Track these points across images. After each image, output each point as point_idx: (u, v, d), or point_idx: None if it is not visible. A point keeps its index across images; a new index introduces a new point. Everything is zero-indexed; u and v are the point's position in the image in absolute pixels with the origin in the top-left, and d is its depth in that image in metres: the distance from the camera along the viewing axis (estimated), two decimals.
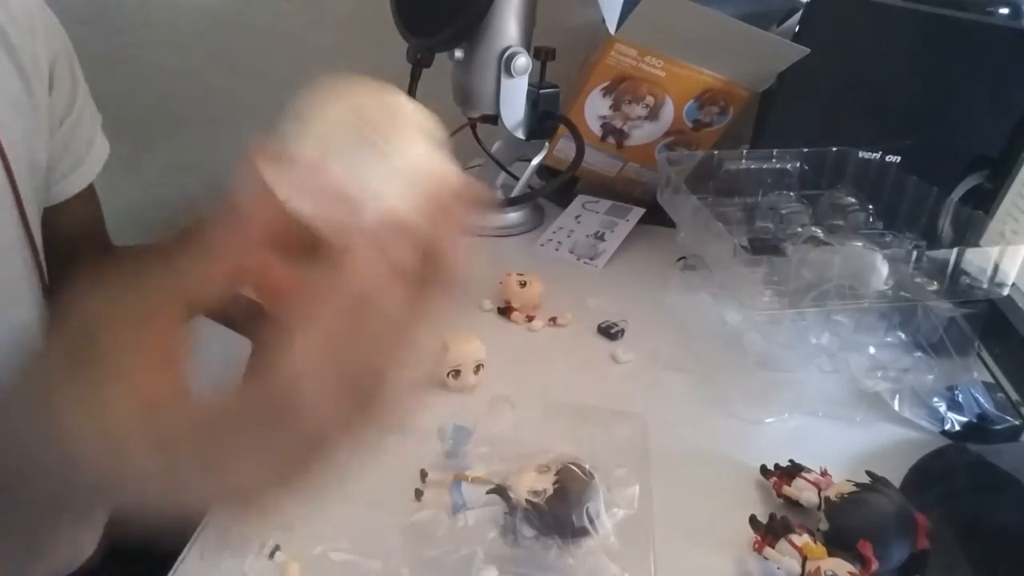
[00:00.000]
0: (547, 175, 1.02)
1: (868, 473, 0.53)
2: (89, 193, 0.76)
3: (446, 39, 0.86)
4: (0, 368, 0.59)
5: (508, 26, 0.87)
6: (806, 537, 0.47)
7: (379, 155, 0.30)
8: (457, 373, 0.64)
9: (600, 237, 0.93)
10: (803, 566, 0.46)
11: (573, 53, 0.98)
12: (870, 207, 0.78)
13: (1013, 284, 0.63)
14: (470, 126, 0.97)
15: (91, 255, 0.78)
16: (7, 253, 0.61)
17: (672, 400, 0.67)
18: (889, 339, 0.69)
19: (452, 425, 0.57)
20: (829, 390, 0.66)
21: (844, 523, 0.49)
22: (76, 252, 0.75)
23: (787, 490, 0.54)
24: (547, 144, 0.95)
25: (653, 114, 0.92)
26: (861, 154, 0.81)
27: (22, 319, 0.63)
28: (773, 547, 0.47)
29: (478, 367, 0.65)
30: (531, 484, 0.48)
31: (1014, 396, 0.66)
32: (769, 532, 0.48)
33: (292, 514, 0.51)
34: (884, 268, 0.64)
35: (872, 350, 0.68)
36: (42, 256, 0.65)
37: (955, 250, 0.63)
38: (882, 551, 0.46)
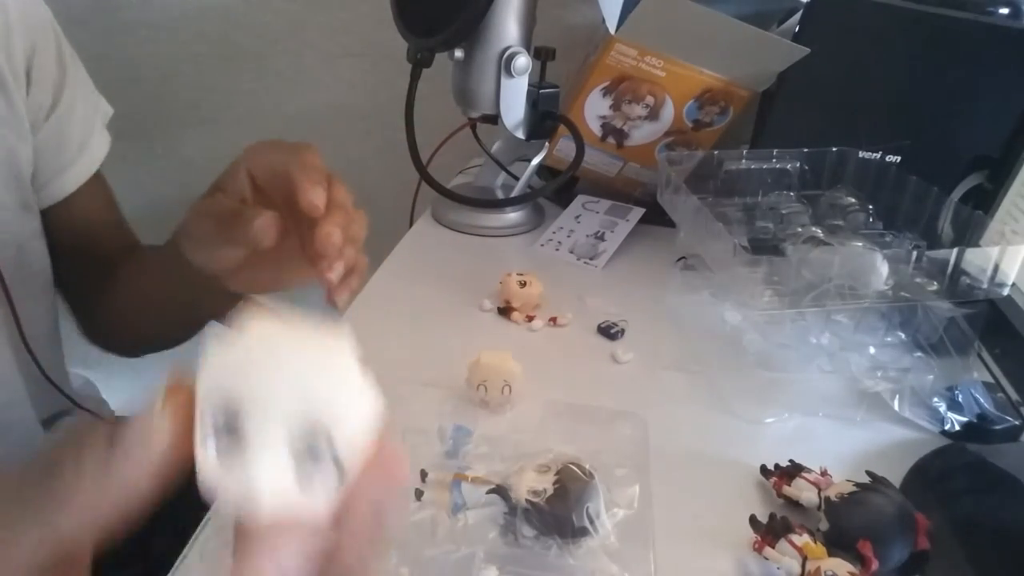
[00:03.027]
0: (547, 175, 1.02)
1: (868, 473, 0.53)
2: (94, 189, 0.72)
3: (446, 39, 0.86)
4: None
5: (508, 26, 0.87)
6: (806, 537, 0.47)
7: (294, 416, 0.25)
8: (485, 388, 0.63)
9: (600, 237, 0.93)
10: (803, 566, 0.45)
11: (573, 53, 0.98)
12: (870, 207, 0.78)
13: (1013, 284, 0.63)
14: (470, 126, 0.97)
15: (110, 246, 0.75)
16: None
17: (672, 400, 0.67)
18: (889, 339, 0.69)
19: (452, 425, 0.57)
20: (829, 390, 0.66)
21: (844, 523, 0.49)
22: (91, 251, 0.73)
23: (787, 490, 0.54)
24: (547, 144, 0.95)
25: (653, 114, 0.92)
26: (861, 154, 0.81)
27: None
28: (773, 547, 0.47)
29: (506, 387, 0.62)
30: (531, 484, 0.48)
31: (1014, 396, 0.66)
32: (769, 532, 0.48)
33: None
34: (884, 268, 0.64)
35: (872, 350, 0.68)
36: (8, 264, 0.61)
37: (955, 250, 0.63)
38: (882, 551, 0.46)
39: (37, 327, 0.67)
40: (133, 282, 0.74)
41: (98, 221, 0.75)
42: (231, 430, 0.24)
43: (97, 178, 0.73)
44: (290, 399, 0.24)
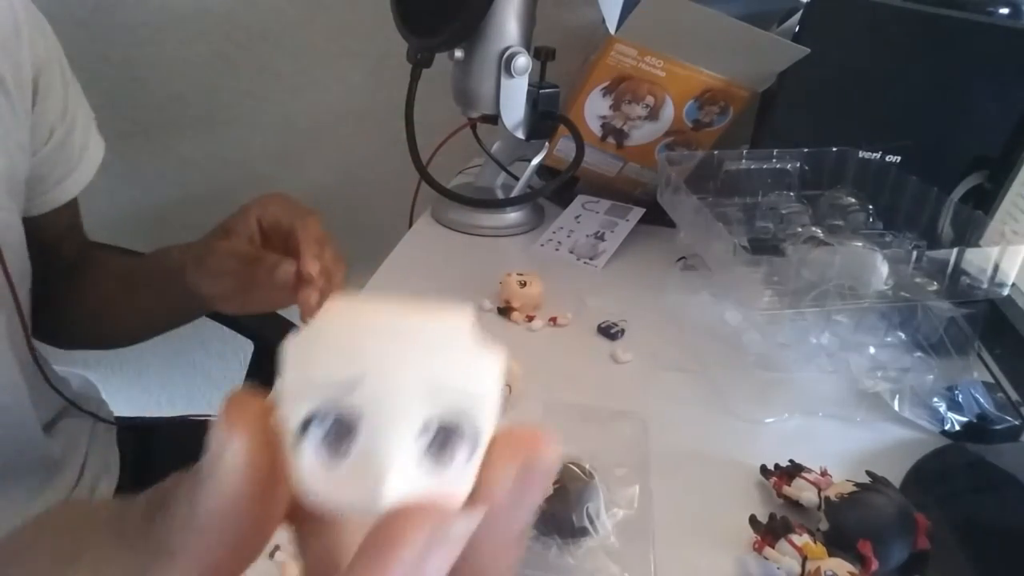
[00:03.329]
0: (547, 175, 1.02)
1: (868, 473, 0.53)
2: (73, 200, 0.75)
3: (446, 39, 0.86)
4: None
5: (508, 26, 0.87)
6: (806, 537, 0.47)
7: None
8: None
9: (600, 237, 0.93)
10: (803, 566, 0.45)
11: (573, 53, 0.98)
12: (870, 207, 0.78)
13: (1013, 284, 0.63)
14: (470, 126, 0.97)
15: (69, 252, 0.79)
16: None
17: (672, 400, 0.67)
18: (889, 339, 0.69)
19: None
20: (829, 390, 0.66)
21: (844, 523, 0.49)
22: (57, 251, 0.76)
23: (787, 490, 0.54)
24: (547, 144, 0.95)
25: (653, 114, 0.92)
26: (861, 154, 0.81)
27: None
28: (773, 547, 0.47)
29: (505, 387, 0.62)
30: None
31: (1014, 396, 0.66)
32: (769, 532, 0.48)
33: None
34: (884, 268, 0.64)
35: (872, 350, 0.68)
36: (13, 269, 0.63)
37: (955, 250, 0.63)
38: (882, 551, 0.46)
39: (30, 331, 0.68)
40: (98, 287, 0.78)
41: (70, 225, 0.78)
42: (341, 421, 0.20)
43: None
44: (417, 375, 0.20)
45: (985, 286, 0.63)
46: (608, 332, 0.75)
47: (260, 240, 0.66)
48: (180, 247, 0.72)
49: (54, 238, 0.74)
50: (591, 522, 0.46)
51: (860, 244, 0.71)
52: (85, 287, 0.78)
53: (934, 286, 0.64)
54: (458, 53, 0.89)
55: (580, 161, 0.89)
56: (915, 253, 0.64)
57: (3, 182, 0.62)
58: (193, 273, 0.67)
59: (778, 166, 0.82)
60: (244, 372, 1.07)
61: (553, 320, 0.77)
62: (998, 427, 0.62)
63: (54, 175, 0.71)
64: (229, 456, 0.20)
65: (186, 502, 0.21)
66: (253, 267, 0.62)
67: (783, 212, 0.78)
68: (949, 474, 0.58)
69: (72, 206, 0.75)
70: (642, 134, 0.94)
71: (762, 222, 0.78)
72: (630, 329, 0.76)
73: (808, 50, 0.82)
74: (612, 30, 0.85)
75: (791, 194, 0.81)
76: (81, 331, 0.82)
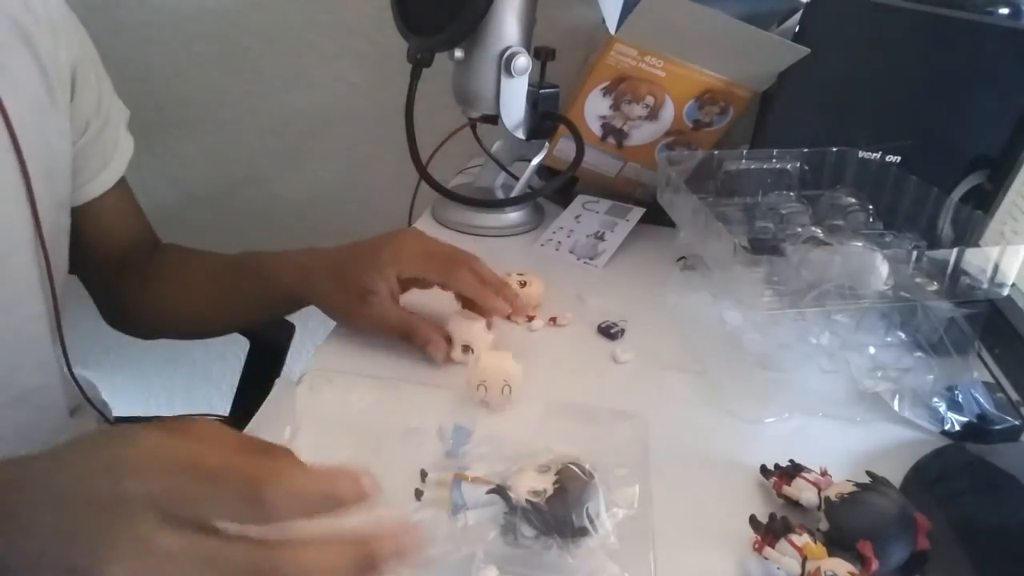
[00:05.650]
0: (547, 175, 1.02)
1: (868, 473, 0.53)
2: (121, 188, 0.78)
3: (446, 39, 0.86)
4: (11, 356, 0.61)
5: (508, 26, 0.87)
6: (806, 537, 0.47)
7: None
8: (485, 389, 0.63)
9: (600, 237, 0.93)
10: (803, 566, 0.46)
11: (573, 53, 0.98)
12: (870, 207, 0.78)
13: (1013, 284, 0.63)
14: (470, 126, 0.97)
15: (136, 246, 0.81)
16: (19, 249, 0.63)
17: (672, 400, 0.67)
18: (889, 339, 0.69)
19: (452, 425, 0.57)
20: (829, 390, 0.66)
21: (844, 523, 0.49)
22: (118, 244, 0.79)
23: (787, 490, 0.54)
24: (547, 144, 0.95)
25: (653, 114, 0.92)
26: (861, 154, 0.81)
27: (32, 312, 0.66)
28: (773, 547, 0.47)
29: (506, 387, 0.62)
30: (531, 484, 0.48)
31: (1014, 396, 0.66)
32: (769, 532, 0.48)
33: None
34: (884, 268, 0.64)
35: (872, 350, 0.68)
36: (51, 254, 0.66)
37: (955, 250, 0.63)
38: (882, 551, 0.46)
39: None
40: (185, 286, 0.81)
41: (126, 216, 0.81)
42: None
43: (120, 185, 0.79)
44: None
45: (985, 286, 0.63)
46: (608, 332, 0.75)
47: (401, 290, 0.70)
48: (274, 259, 0.74)
49: (99, 230, 0.76)
50: (591, 522, 0.46)
51: (860, 244, 0.71)
52: (167, 285, 0.80)
53: (934, 286, 0.64)
54: (458, 53, 0.89)
55: (580, 161, 0.89)
56: (915, 253, 0.64)
57: (43, 176, 0.64)
58: (322, 309, 0.71)
59: (778, 166, 0.82)
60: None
61: (553, 320, 0.77)
62: (998, 427, 0.62)
63: (90, 167, 0.73)
64: None
65: None
66: (408, 336, 0.68)
67: (783, 212, 0.78)
68: (949, 474, 0.58)
69: (112, 199, 0.77)
70: (642, 134, 0.94)
71: (762, 222, 0.78)
72: (630, 329, 0.76)
73: (808, 50, 0.82)
74: (612, 30, 0.85)
75: (791, 194, 0.81)
76: (165, 325, 0.85)
